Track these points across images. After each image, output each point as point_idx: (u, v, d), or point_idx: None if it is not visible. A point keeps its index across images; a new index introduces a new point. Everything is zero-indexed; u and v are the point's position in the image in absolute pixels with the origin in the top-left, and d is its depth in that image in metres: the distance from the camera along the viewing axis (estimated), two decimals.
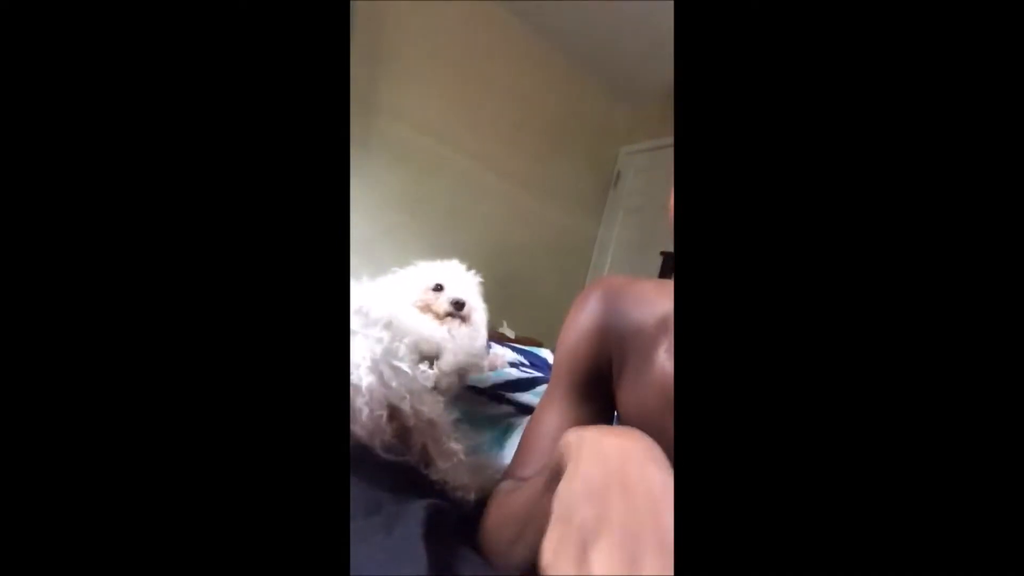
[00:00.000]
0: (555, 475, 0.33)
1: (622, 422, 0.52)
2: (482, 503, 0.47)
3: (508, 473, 0.50)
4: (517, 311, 1.96)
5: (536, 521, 0.36)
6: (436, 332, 0.66)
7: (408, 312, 0.70)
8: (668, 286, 0.51)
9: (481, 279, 0.79)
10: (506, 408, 0.68)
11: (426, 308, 0.72)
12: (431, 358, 0.62)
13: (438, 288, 0.74)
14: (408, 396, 0.45)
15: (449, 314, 0.72)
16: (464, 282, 0.76)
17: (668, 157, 2.22)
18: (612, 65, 2.26)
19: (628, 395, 0.50)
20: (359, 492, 0.39)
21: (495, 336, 0.98)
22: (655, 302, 0.51)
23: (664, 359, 0.48)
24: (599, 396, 0.51)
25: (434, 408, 0.49)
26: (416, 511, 0.38)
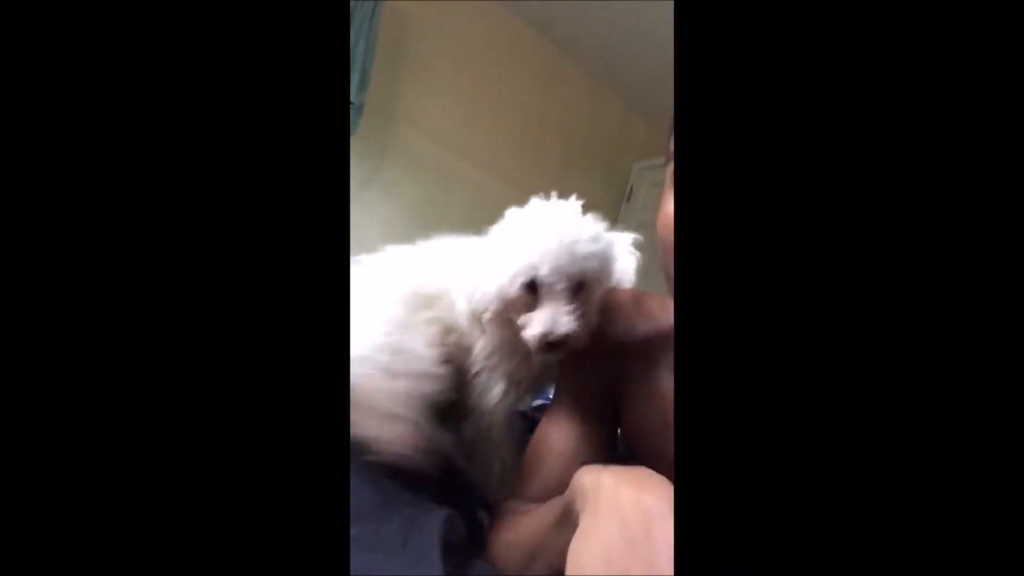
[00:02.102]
0: (566, 515, 0.32)
1: (624, 440, 0.52)
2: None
3: (515, 487, 0.50)
4: None
5: (545, 554, 0.36)
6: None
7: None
8: (672, 302, 0.50)
9: None
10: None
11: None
12: None
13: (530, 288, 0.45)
14: None
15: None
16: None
17: None
18: (628, 81, 2.28)
19: (630, 413, 0.49)
20: (377, 497, 0.39)
21: None
22: (658, 318, 0.50)
23: (665, 376, 0.47)
24: (603, 411, 0.50)
25: None
26: (433, 521, 0.38)
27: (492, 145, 2.12)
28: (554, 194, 0.54)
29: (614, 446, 0.52)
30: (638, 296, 0.53)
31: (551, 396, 0.65)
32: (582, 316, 0.47)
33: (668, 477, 0.49)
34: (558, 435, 0.49)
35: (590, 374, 0.51)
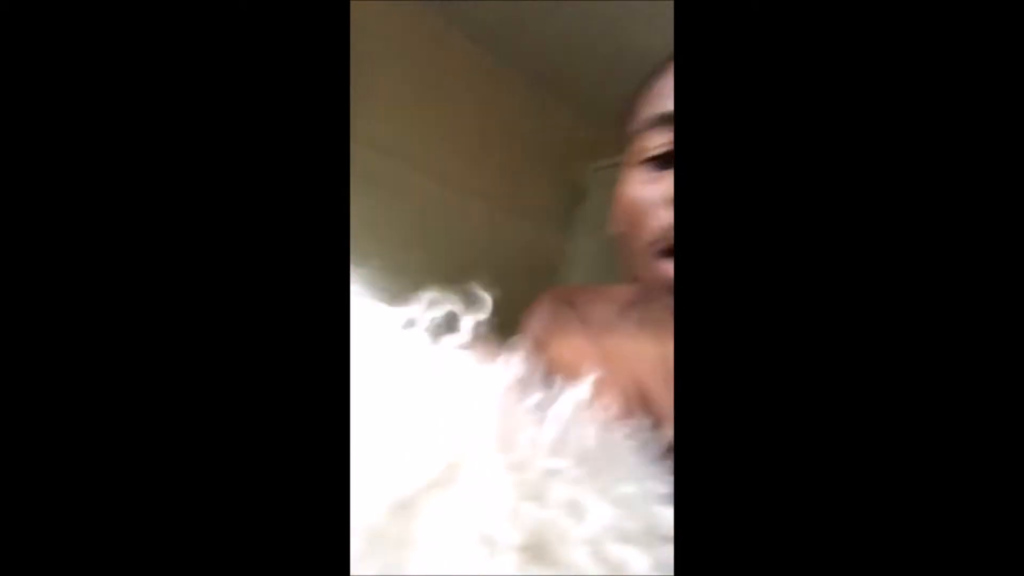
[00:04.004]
0: None
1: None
2: None
3: None
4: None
5: None
6: None
7: None
8: (611, 291, 0.52)
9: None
10: None
11: None
12: None
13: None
14: None
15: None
16: None
17: None
18: (575, 85, 2.31)
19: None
20: None
21: None
22: (599, 308, 0.52)
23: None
24: None
25: None
26: None
27: (440, 154, 2.11)
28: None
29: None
30: (581, 287, 0.59)
31: None
32: None
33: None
34: None
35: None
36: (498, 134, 2.27)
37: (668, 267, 0.34)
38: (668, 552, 0.24)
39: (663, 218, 0.35)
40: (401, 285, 0.75)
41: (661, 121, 0.36)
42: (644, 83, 0.42)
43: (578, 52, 2.08)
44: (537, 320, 0.54)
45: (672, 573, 0.22)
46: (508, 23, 2.02)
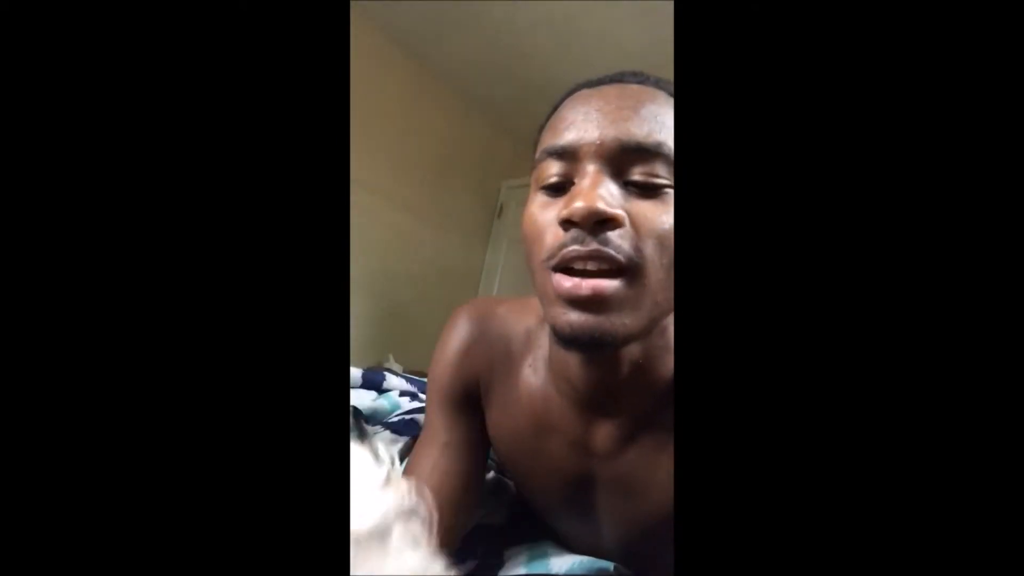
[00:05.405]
0: None
1: (494, 443, 0.53)
2: None
3: None
4: (406, 343, 1.97)
5: None
6: None
7: None
8: (532, 302, 0.53)
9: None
10: (408, 440, 0.70)
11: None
12: None
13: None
14: None
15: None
16: None
17: None
18: (491, 103, 2.38)
19: (498, 415, 0.52)
20: None
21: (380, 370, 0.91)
22: (520, 319, 0.53)
23: (528, 374, 0.50)
24: (472, 418, 0.52)
25: None
26: None
27: (364, 162, 2.08)
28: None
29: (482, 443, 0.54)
30: (499, 301, 0.56)
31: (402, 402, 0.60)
32: None
33: (517, 474, 0.51)
34: (431, 450, 0.51)
35: (453, 382, 0.53)
36: (419, 145, 2.27)
37: (559, 280, 0.37)
38: None
39: (555, 238, 0.38)
40: None
41: (553, 153, 0.40)
42: (548, 115, 0.45)
43: (497, 70, 2.14)
44: (455, 336, 0.54)
45: None
46: (431, 33, 2.04)
